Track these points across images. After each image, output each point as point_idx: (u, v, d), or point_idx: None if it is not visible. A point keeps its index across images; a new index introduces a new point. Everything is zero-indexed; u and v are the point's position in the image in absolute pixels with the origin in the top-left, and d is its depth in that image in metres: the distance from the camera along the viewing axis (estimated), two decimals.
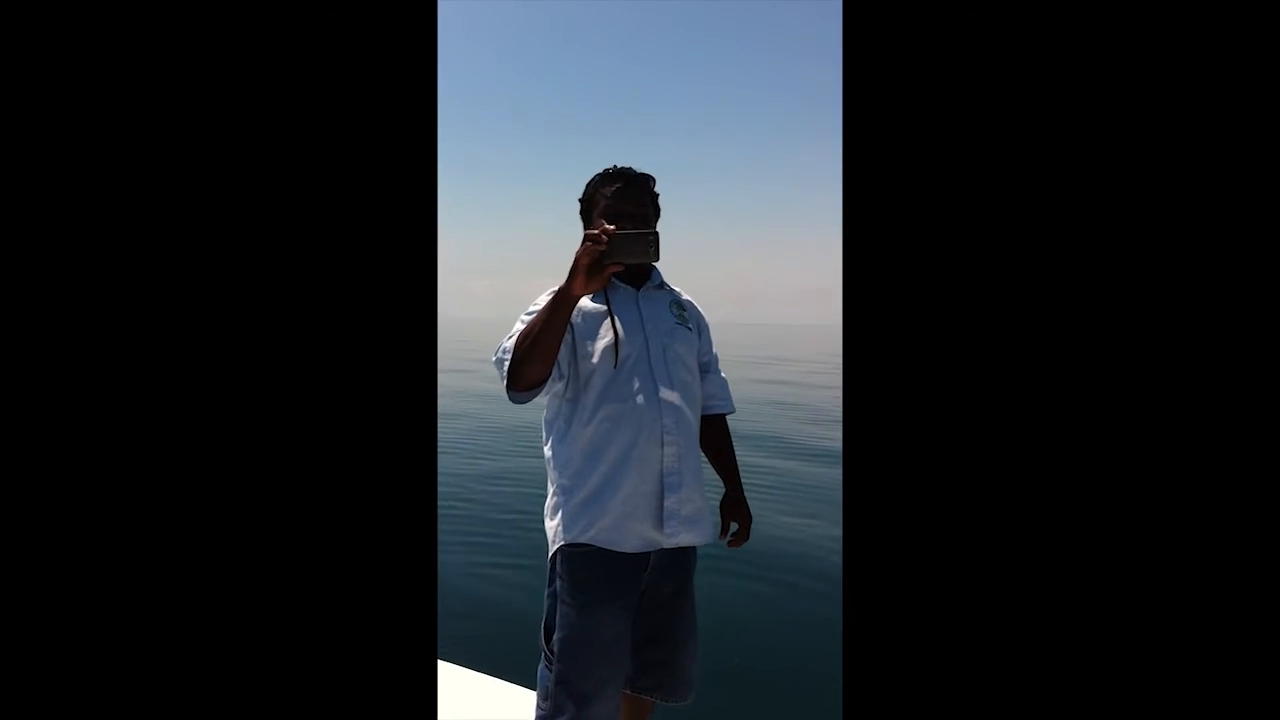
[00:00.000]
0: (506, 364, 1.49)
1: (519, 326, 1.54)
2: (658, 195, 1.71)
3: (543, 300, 1.56)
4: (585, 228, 1.68)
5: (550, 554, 1.60)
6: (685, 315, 1.73)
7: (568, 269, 1.40)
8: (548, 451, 1.65)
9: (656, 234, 1.41)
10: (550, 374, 1.49)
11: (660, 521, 1.55)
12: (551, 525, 1.60)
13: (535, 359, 1.45)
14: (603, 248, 1.35)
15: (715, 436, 1.79)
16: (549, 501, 1.63)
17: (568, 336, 1.53)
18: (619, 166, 1.72)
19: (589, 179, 1.74)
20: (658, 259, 1.41)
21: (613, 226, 1.37)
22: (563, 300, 1.40)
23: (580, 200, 1.76)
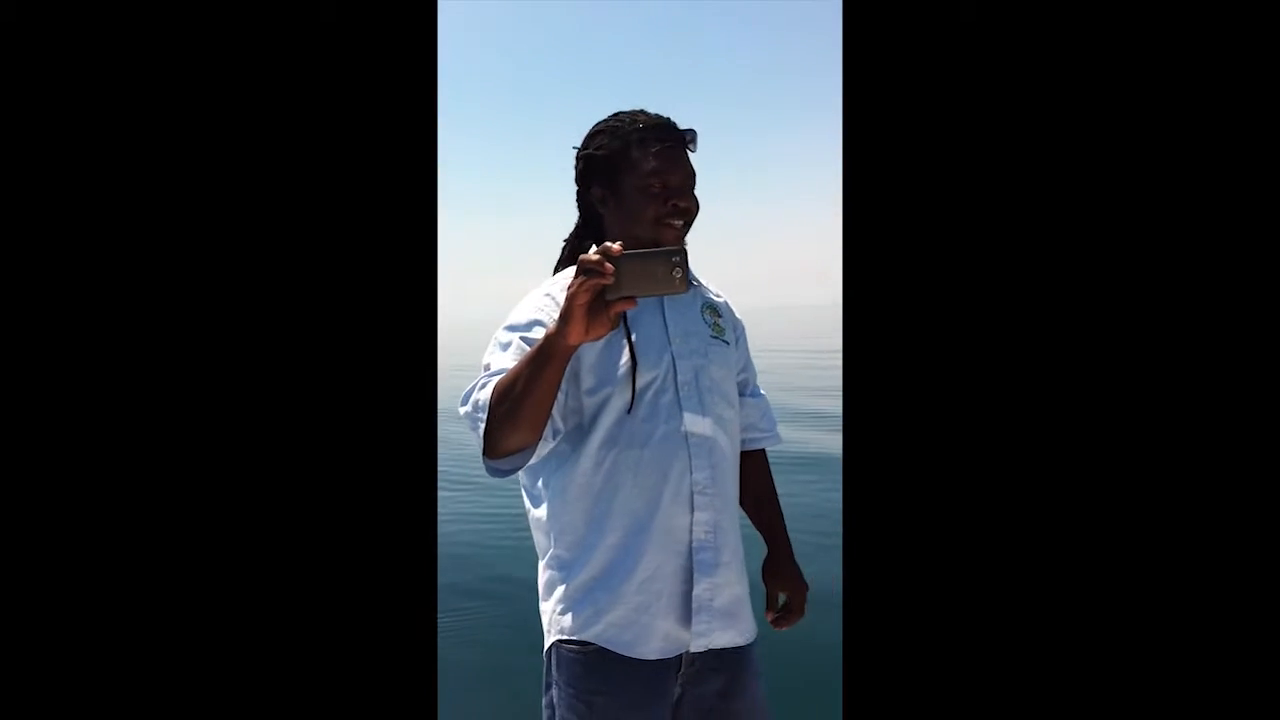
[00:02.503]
0: (481, 426, 1.07)
1: (494, 359, 1.14)
2: None
3: (524, 314, 1.17)
4: (588, 197, 1.25)
5: (546, 646, 1.19)
6: (721, 324, 1.29)
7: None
8: (535, 508, 1.22)
9: (684, 251, 0.96)
10: (540, 438, 1.09)
11: (688, 615, 1.16)
12: (547, 608, 1.20)
13: (519, 424, 1.05)
14: (608, 280, 0.92)
15: (754, 479, 1.36)
16: (542, 575, 1.22)
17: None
18: (651, 112, 1.22)
19: (604, 123, 1.23)
20: (686, 288, 0.96)
21: (617, 246, 0.94)
22: (554, 352, 0.99)
23: (586, 156, 1.24)
